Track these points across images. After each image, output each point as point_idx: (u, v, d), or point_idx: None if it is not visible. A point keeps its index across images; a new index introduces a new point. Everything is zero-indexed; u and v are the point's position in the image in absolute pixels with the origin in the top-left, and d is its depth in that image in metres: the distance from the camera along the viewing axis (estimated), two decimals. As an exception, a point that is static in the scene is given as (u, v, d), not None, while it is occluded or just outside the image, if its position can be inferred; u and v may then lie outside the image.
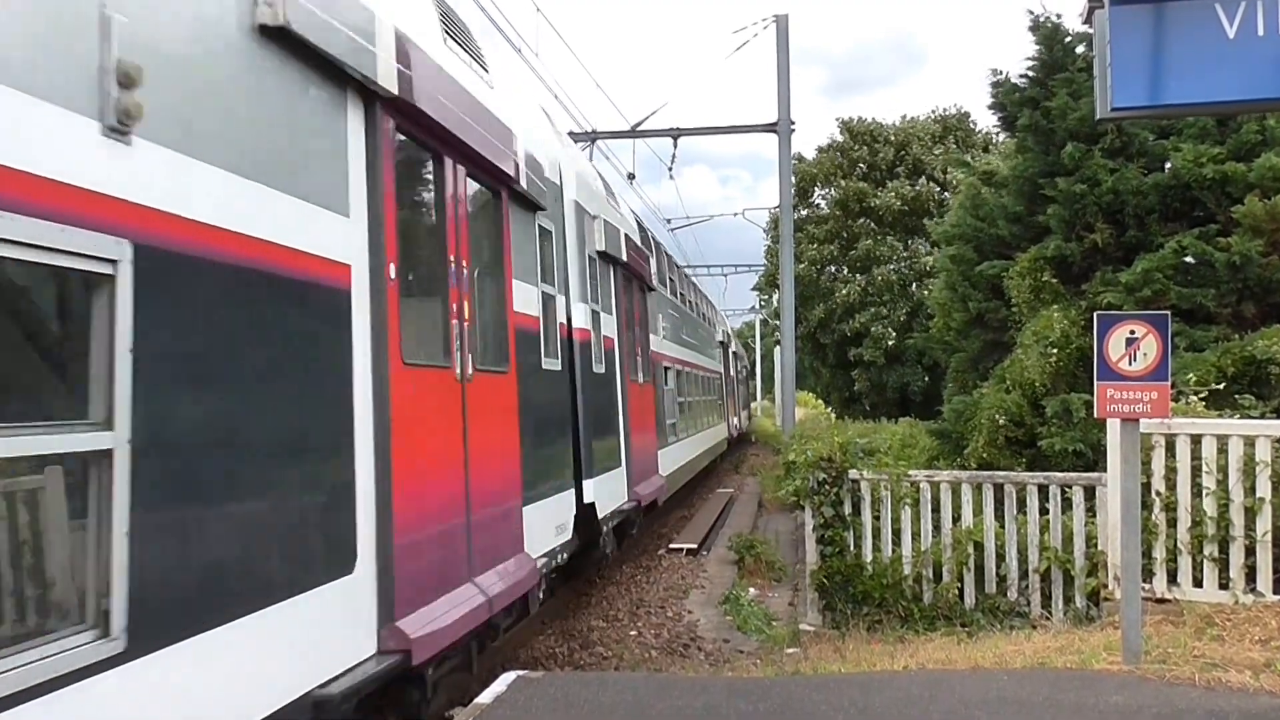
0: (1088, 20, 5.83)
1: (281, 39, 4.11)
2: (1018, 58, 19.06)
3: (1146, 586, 7.54)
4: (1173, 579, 7.83)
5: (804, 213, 39.13)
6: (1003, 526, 8.72)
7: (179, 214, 3.46)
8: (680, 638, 9.84)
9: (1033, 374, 11.37)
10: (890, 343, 35.90)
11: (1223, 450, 7.71)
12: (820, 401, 48.09)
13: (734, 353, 34.37)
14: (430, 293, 5.77)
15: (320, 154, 4.49)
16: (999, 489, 8.81)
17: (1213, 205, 11.63)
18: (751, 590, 11.93)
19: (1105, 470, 8.19)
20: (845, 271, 38.70)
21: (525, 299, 7.38)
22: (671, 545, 14.92)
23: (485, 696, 5.75)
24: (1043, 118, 13.06)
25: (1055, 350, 11.23)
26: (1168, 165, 12.07)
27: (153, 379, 3.27)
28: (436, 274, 5.80)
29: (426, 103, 5.28)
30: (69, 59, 3.04)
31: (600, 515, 9.42)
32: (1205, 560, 7.72)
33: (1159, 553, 7.83)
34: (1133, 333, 6.16)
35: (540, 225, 7.97)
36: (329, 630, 4.37)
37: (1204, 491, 7.74)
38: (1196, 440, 7.79)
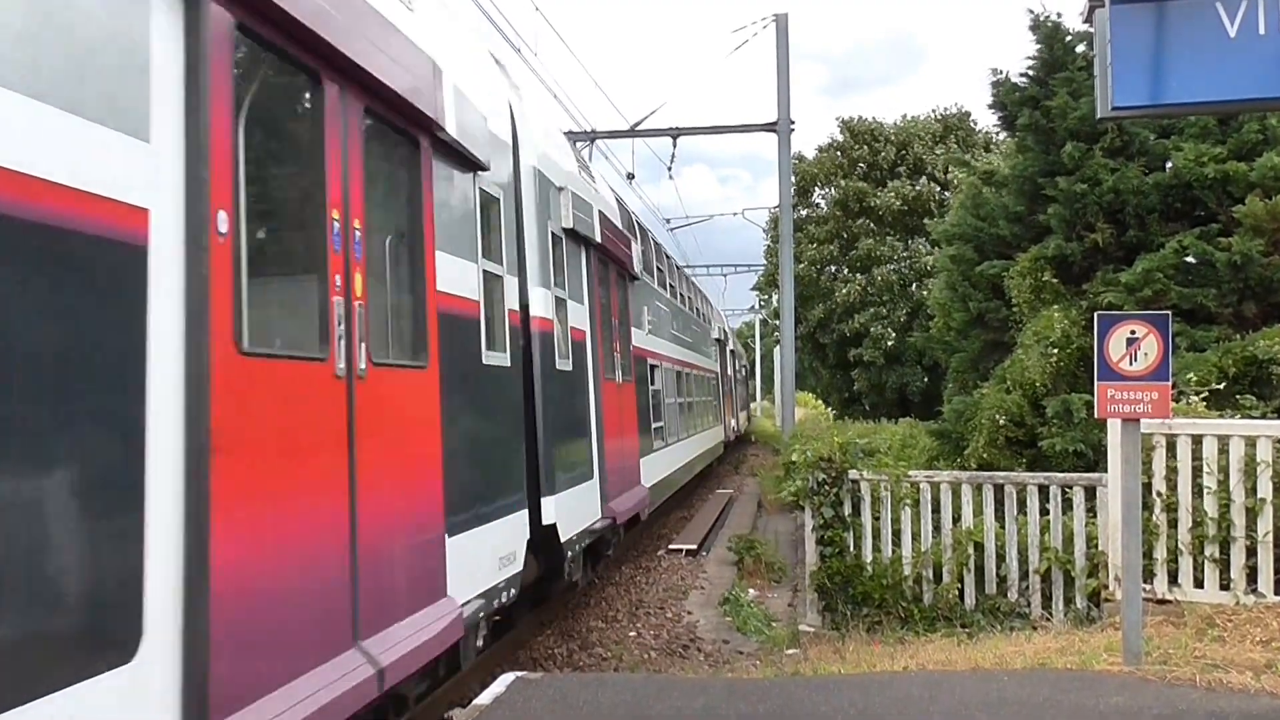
0: (1088, 19, 5.82)
1: None
2: (1018, 57, 19.05)
3: (1147, 587, 7.52)
4: (1174, 580, 7.82)
5: (804, 212, 39.13)
6: (1003, 527, 8.70)
7: None
8: (680, 639, 9.83)
9: (1033, 374, 11.36)
10: (890, 343, 35.90)
11: (1224, 450, 7.69)
12: (820, 402, 48.08)
13: (731, 351, 33.26)
14: (296, 258, 4.47)
15: (97, 43, 3.08)
16: (999, 489, 8.80)
17: (1214, 205, 11.61)
18: (751, 591, 11.91)
19: (1106, 471, 8.17)
20: (845, 271, 38.70)
21: (456, 277, 5.92)
22: (671, 546, 14.90)
23: (484, 697, 5.73)
24: (1043, 117, 13.06)
25: (1056, 350, 11.21)
26: (1168, 164, 12.06)
27: None
28: (309, 234, 4.39)
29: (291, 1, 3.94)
30: None
31: (565, 538, 8.01)
32: (1206, 561, 7.70)
33: (1160, 553, 7.82)
34: (1133, 333, 6.14)
35: (483, 189, 6.55)
36: None
37: (1205, 492, 7.72)
38: (1197, 440, 7.78)
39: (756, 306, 61.91)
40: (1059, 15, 13.78)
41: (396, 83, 4.96)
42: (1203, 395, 9.20)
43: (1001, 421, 11.48)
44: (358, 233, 4.58)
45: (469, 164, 6.25)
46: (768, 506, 20.09)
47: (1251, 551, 7.57)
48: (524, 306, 7.58)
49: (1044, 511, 8.62)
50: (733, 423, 31.10)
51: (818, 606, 9.22)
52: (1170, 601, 7.68)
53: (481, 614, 6.04)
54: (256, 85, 4.05)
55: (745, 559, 13.52)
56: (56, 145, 2.87)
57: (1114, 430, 7.48)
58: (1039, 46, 13.71)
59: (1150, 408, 6.12)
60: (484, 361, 6.44)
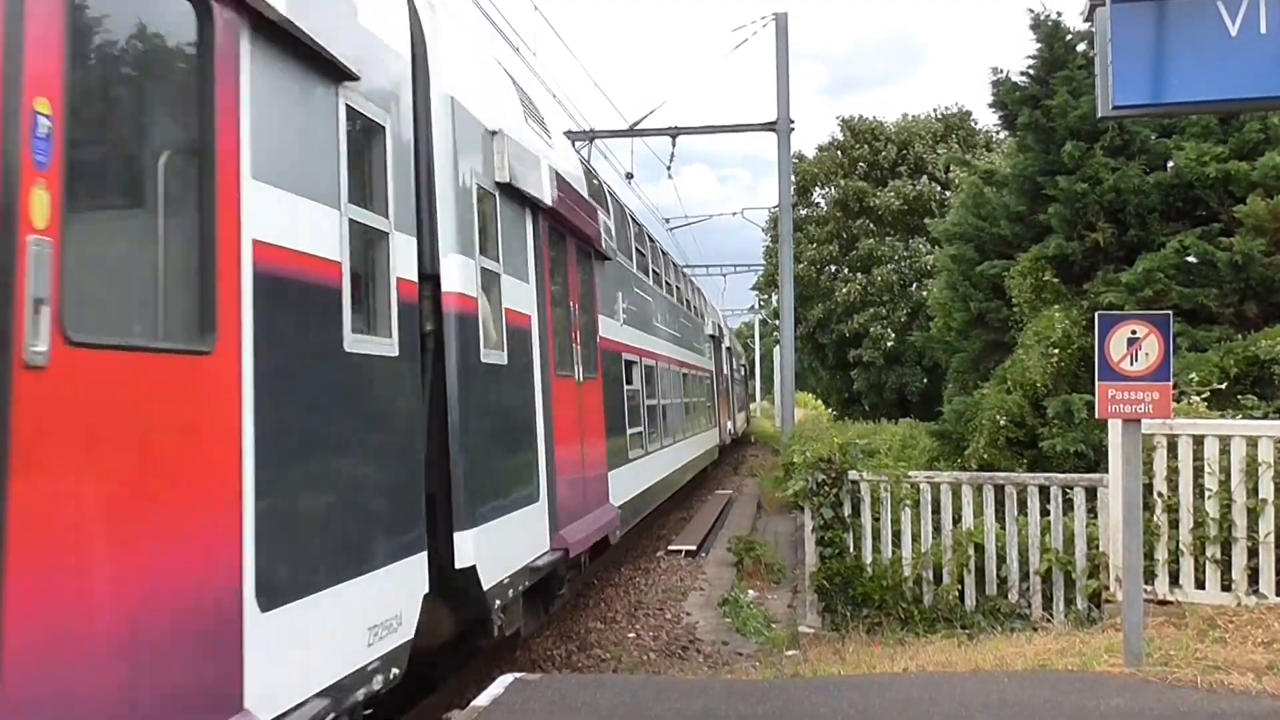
0: (1089, 18, 5.81)
1: None
2: (1018, 56, 19.01)
3: (1148, 588, 7.50)
4: (1175, 581, 7.80)
5: (804, 212, 39.09)
6: (1003, 528, 8.68)
7: None
8: (679, 640, 9.81)
9: (1034, 374, 11.33)
10: (890, 343, 35.87)
11: (1225, 451, 7.67)
12: (819, 402, 48.08)
13: (728, 349, 31.76)
14: None
15: None
16: (1000, 490, 8.77)
17: (1215, 204, 11.59)
18: (751, 592, 11.90)
19: (1107, 471, 8.15)
20: (845, 271, 38.67)
21: (292, 223, 4.22)
22: (670, 547, 14.91)
23: (483, 699, 5.71)
24: (1043, 116, 13.04)
25: (1056, 350, 11.19)
26: (1169, 164, 12.05)
27: None
28: None
29: None
30: None
31: (489, 584, 6.17)
32: (1207, 562, 7.68)
33: (1161, 554, 7.80)
34: (1134, 333, 6.11)
35: (352, 106, 4.83)
36: None
37: (1206, 492, 7.70)
38: (1199, 441, 7.76)
39: (756, 306, 61.91)
40: (1059, 14, 13.80)
41: None
42: (1204, 395, 9.19)
43: (1002, 422, 11.46)
44: (44, 122, 2.86)
45: (324, 66, 4.54)
46: (767, 507, 20.07)
47: (1253, 552, 7.55)
48: (433, 277, 5.97)
49: (1044, 512, 8.60)
50: (729, 425, 29.54)
51: (817, 607, 9.20)
52: (1171, 602, 7.66)
53: None
54: None
55: (745, 560, 13.50)
56: None
57: (1115, 431, 7.45)
58: (1039, 45, 13.69)
59: (1151, 408, 6.10)
60: (347, 349, 4.67)
